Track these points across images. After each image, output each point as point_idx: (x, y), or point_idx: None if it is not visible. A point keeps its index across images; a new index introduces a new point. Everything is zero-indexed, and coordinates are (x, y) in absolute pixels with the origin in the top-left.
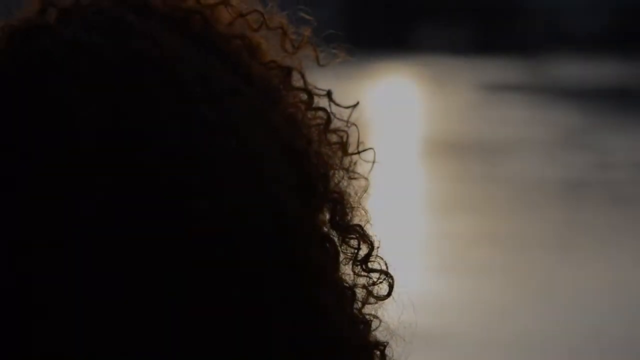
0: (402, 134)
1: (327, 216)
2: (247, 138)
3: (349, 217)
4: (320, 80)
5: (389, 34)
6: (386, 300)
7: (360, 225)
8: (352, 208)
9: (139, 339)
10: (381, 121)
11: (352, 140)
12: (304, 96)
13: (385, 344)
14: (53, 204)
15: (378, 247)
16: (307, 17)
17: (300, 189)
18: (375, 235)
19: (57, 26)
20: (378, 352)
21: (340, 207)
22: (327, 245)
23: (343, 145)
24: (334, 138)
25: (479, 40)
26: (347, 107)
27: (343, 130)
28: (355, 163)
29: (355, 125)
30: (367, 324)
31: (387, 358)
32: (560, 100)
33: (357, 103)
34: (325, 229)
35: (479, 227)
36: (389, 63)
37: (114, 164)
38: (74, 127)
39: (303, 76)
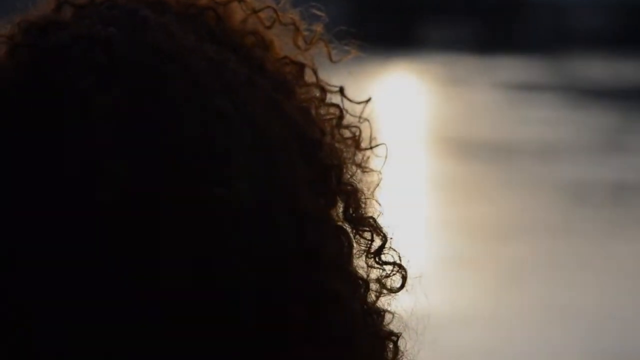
0: (430, 135)
1: (341, 209)
2: (262, 128)
3: (362, 210)
4: (331, 76)
5: (397, 31)
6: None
7: (373, 218)
8: (366, 201)
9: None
10: (402, 120)
11: (365, 135)
12: (317, 92)
13: (398, 334)
14: (69, 192)
15: (391, 239)
16: (319, 13)
17: (314, 180)
18: (388, 228)
19: (73, 22)
20: (391, 343)
21: (353, 199)
22: (341, 236)
23: (356, 141)
24: (346, 133)
25: (486, 38)
26: (360, 103)
27: (355, 126)
28: (368, 158)
29: (368, 120)
30: (381, 315)
31: (400, 349)
32: (586, 100)
33: (370, 99)
34: (339, 221)
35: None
36: (399, 60)
37: (131, 153)
38: (90, 117)
39: (315, 72)
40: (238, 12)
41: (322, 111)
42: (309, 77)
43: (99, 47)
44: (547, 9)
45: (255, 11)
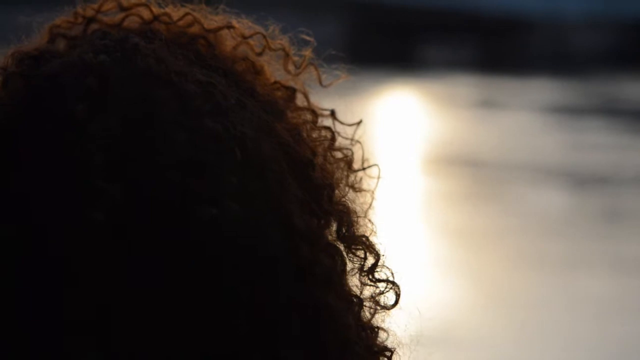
0: (482, 161)
1: (334, 228)
2: (252, 148)
3: (355, 229)
4: (325, 99)
5: (397, 50)
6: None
7: (366, 236)
8: (358, 220)
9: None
10: (436, 142)
11: (358, 157)
12: (309, 116)
13: (392, 350)
14: (64, 214)
15: (384, 257)
16: (308, 38)
17: (306, 199)
18: (381, 245)
19: (65, 51)
20: (385, 359)
21: (346, 218)
22: (334, 253)
23: (348, 162)
24: (339, 155)
25: (485, 58)
26: (351, 125)
27: (347, 148)
28: (360, 179)
29: (360, 142)
30: (374, 331)
31: None
32: (629, 122)
33: (361, 121)
34: (332, 240)
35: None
36: (401, 80)
37: (123, 174)
38: (84, 142)
39: (307, 96)
40: (228, 40)
41: (314, 134)
42: (300, 101)
43: (91, 74)
44: (548, 28)
45: (244, 37)
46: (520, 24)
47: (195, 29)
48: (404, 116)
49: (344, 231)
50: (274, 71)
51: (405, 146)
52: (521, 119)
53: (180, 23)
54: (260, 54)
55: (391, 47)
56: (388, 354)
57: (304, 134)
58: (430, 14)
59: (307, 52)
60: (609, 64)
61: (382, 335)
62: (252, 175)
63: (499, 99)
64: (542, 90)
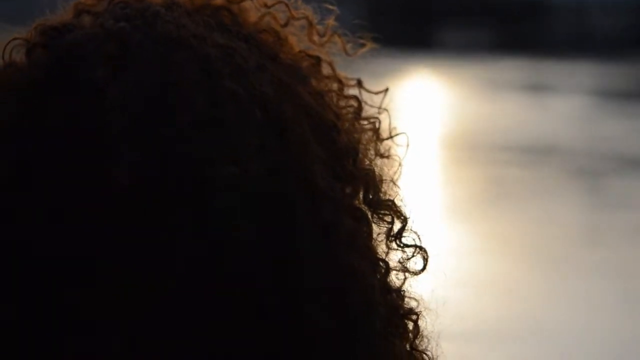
0: (553, 148)
1: (360, 194)
2: (273, 109)
3: (381, 194)
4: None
5: (413, 34)
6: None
7: (392, 201)
8: (385, 185)
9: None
10: (494, 128)
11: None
12: (334, 85)
13: (418, 313)
14: (85, 180)
15: (411, 221)
16: (331, 7)
17: (329, 162)
18: (408, 211)
19: (88, 23)
20: (411, 322)
21: (372, 183)
22: (359, 215)
23: (375, 131)
24: (365, 124)
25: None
26: (378, 93)
27: (374, 117)
28: (389, 148)
29: (387, 110)
30: (401, 295)
31: (420, 328)
32: None
33: (387, 89)
34: (357, 203)
35: None
36: (420, 63)
37: (143, 137)
38: (104, 105)
39: (332, 66)
40: (252, 12)
41: (341, 103)
42: (326, 71)
43: (111, 40)
44: (567, 11)
45: (267, 6)
46: (539, 7)
47: (218, 1)
48: (454, 102)
49: (370, 196)
50: (298, 42)
51: (467, 134)
52: (575, 103)
53: None
54: (284, 25)
55: (410, 31)
56: (414, 317)
57: (328, 99)
58: None
59: (330, 21)
60: (635, 47)
61: (408, 299)
62: (273, 135)
63: (547, 82)
64: (584, 73)
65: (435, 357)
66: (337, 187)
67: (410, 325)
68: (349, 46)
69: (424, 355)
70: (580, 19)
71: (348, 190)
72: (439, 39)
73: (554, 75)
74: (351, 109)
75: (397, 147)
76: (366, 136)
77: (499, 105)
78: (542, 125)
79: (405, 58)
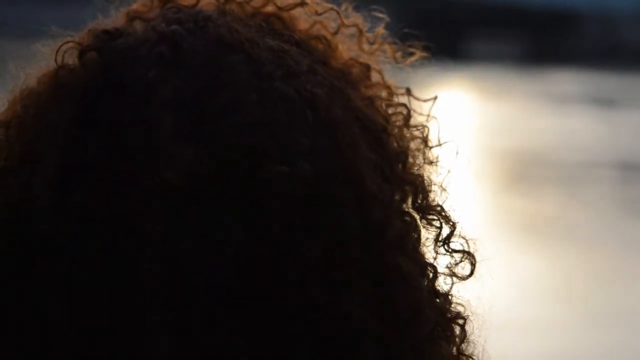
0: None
1: (410, 198)
2: (324, 110)
3: (430, 199)
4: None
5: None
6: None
7: (441, 206)
8: (433, 191)
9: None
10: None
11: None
12: (384, 92)
13: (465, 318)
14: (137, 180)
15: (460, 228)
16: (381, 15)
17: (379, 165)
18: (456, 216)
19: (141, 28)
20: (458, 327)
21: (421, 188)
22: (407, 219)
23: (424, 139)
24: (415, 132)
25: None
26: (427, 101)
27: (423, 125)
28: (438, 157)
29: (436, 118)
30: (448, 298)
31: (467, 333)
32: None
33: (436, 97)
34: (406, 207)
35: None
36: (452, 73)
37: (193, 137)
38: (154, 104)
39: (381, 74)
40: (303, 19)
41: (390, 110)
42: (375, 79)
43: (163, 42)
44: (597, 22)
45: (318, 14)
46: (568, 18)
47: (269, 8)
48: (515, 116)
49: (419, 200)
50: (348, 51)
51: (542, 149)
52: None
53: (254, 3)
54: (335, 33)
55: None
56: (461, 321)
57: (378, 106)
58: (476, 8)
59: (380, 29)
60: None
61: (456, 304)
62: (324, 136)
63: (613, 96)
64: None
65: None
66: (386, 190)
67: (457, 330)
68: (398, 54)
69: (470, 359)
70: (611, 30)
71: (397, 194)
72: (467, 50)
73: (612, 88)
74: (400, 116)
75: (447, 155)
76: (415, 143)
77: (567, 120)
78: (619, 140)
79: (441, 69)
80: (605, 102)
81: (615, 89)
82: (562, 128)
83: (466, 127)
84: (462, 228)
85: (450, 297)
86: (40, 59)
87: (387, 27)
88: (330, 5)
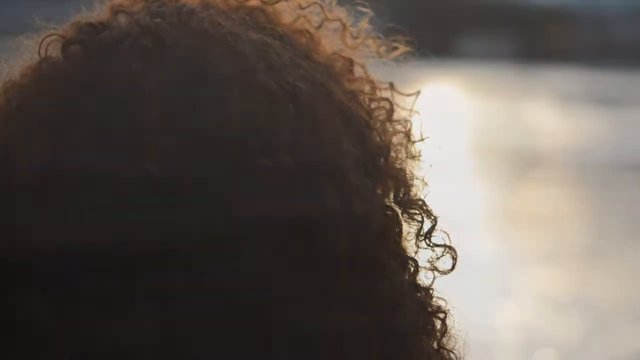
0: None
1: (391, 192)
2: (306, 104)
3: (411, 193)
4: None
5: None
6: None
7: (422, 200)
8: (415, 185)
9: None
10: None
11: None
12: (367, 87)
13: (446, 311)
14: (118, 172)
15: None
16: (365, 9)
17: (361, 159)
18: (436, 211)
19: (125, 21)
20: (439, 321)
21: (403, 182)
22: (389, 213)
23: (407, 134)
24: (397, 126)
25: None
26: (410, 95)
27: (406, 120)
28: (420, 152)
29: (418, 113)
30: (429, 292)
31: (448, 327)
32: None
33: (419, 92)
34: (388, 202)
35: None
36: (446, 71)
37: (176, 130)
38: (137, 96)
39: (364, 68)
40: (286, 13)
41: (372, 105)
42: (358, 73)
43: (147, 35)
44: (589, 20)
45: (302, 8)
46: (560, 17)
47: (252, 2)
48: (521, 114)
49: (401, 195)
50: (331, 45)
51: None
52: None
53: None
54: (318, 27)
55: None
56: (442, 315)
57: (361, 100)
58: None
59: (363, 23)
60: None
61: (437, 298)
62: (306, 129)
63: (613, 94)
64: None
65: (461, 356)
66: (368, 184)
67: (438, 324)
68: (382, 49)
69: (451, 353)
70: (603, 28)
71: (379, 188)
72: (459, 48)
73: (618, 87)
74: (383, 111)
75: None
76: (398, 137)
77: (575, 119)
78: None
79: (431, 66)
80: (607, 101)
81: (613, 87)
82: (566, 127)
83: (470, 126)
84: (442, 223)
85: (431, 291)
86: (24, 51)
87: (374, 23)
88: (313, 0)
